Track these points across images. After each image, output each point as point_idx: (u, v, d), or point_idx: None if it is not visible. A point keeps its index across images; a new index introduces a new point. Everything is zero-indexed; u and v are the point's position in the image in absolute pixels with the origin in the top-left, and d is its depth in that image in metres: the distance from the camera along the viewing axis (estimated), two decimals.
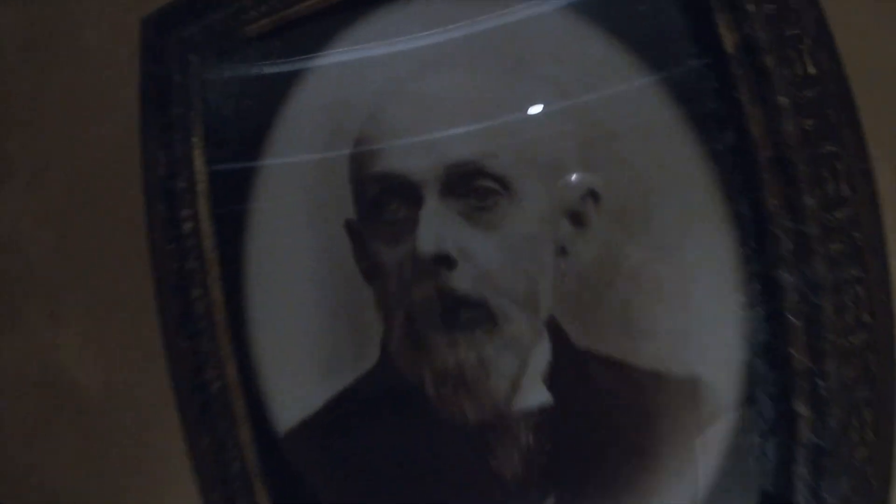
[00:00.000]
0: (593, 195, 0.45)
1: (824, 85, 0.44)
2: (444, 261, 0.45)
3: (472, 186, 0.46)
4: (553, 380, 0.46)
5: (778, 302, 0.44)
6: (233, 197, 0.54)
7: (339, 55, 0.51)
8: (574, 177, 0.45)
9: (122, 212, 0.61)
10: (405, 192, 0.46)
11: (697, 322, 0.45)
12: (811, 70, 0.45)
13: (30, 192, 0.65)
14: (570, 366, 0.46)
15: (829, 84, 0.44)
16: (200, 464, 0.57)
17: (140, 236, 0.58)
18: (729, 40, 0.44)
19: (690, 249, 0.45)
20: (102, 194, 0.62)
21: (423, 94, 0.48)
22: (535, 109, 0.46)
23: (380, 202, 0.48)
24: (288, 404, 0.53)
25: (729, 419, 0.46)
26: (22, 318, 0.65)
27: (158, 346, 0.58)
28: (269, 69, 0.53)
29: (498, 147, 0.45)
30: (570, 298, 0.46)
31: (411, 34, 0.49)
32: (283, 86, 0.52)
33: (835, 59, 0.45)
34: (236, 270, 0.54)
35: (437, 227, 0.45)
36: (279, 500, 0.55)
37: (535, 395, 0.46)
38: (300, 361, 0.52)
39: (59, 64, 0.64)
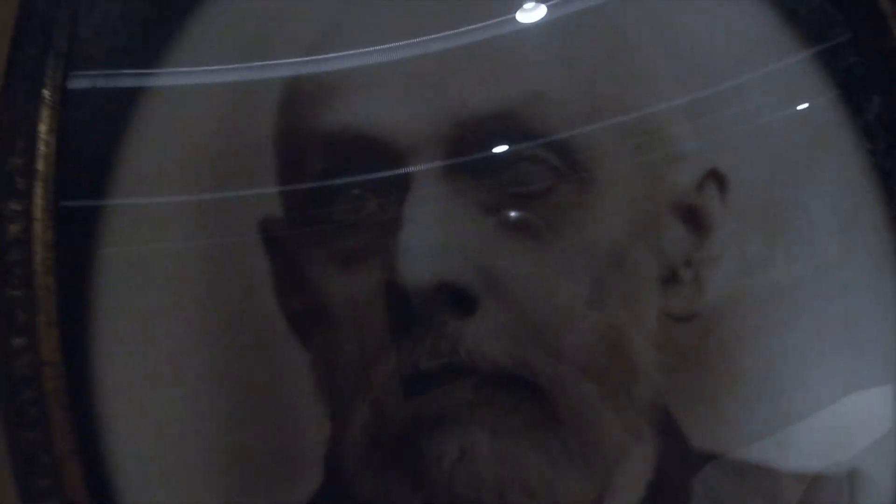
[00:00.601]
0: (718, 178, 0.26)
1: None
2: (454, 296, 0.24)
3: (507, 158, 0.24)
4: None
5: None
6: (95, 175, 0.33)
7: None
8: (689, 149, 0.25)
9: None
10: (379, 168, 0.25)
11: (858, 395, 0.28)
12: None
13: None
14: (684, 485, 0.25)
15: None
16: None
17: None
18: None
19: (854, 277, 0.27)
20: None
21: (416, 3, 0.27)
22: (616, 38, 0.27)
23: (330, 187, 0.26)
24: None
25: None
26: None
27: None
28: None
29: (553, 91, 0.25)
30: (687, 366, 0.25)
31: None
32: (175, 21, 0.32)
33: None
34: (81, 311, 0.32)
35: (437, 234, 0.24)
36: None
37: None
38: (180, 482, 0.30)
39: None
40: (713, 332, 0.27)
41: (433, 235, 0.25)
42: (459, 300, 0.25)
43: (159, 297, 0.31)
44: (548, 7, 0.28)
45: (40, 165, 0.35)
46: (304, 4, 0.30)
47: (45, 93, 0.35)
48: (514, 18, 0.28)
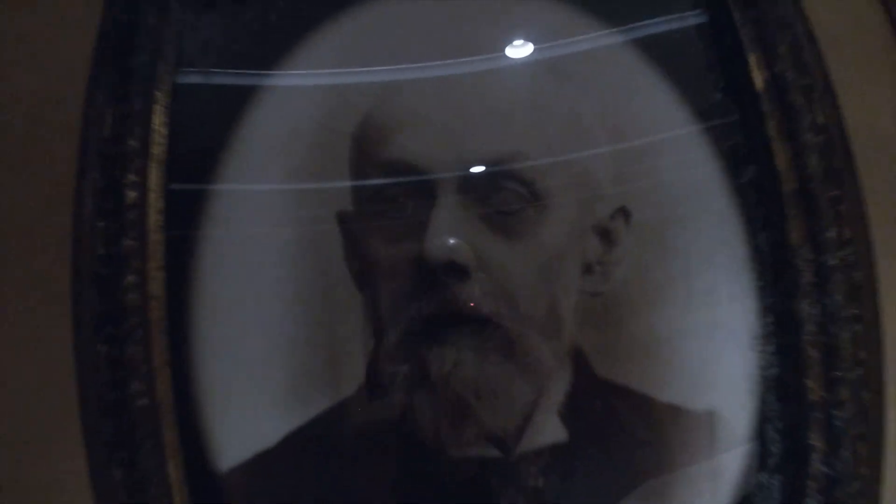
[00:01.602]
0: (625, 213, 0.42)
1: (828, 134, 0.47)
2: (457, 269, 0.40)
3: (496, 187, 0.40)
4: (569, 413, 0.41)
5: (794, 334, 0.43)
6: (194, 172, 0.44)
7: (346, 38, 0.44)
8: (607, 193, 0.42)
9: (39, 177, 0.47)
10: (417, 186, 0.41)
11: (717, 354, 0.44)
12: (820, 119, 0.46)
13: None
14: (589, 398, 0.42)
15: (833, 133, 0.47)
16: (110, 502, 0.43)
17: (63, 210, 0.46)
18: (758, 76, 0.44)
19: (713, 280, 0.44)
20: (16, 149, 0.48)
21: (447, 83, 0.43)
22: (574, 118, 0.43)
23: (384, 194, 0.41)
24: (234, 435, 0.43)
25: (740, 456, 0.45)
26: None
27: (66, 348, 0.45)
28: (267, 40, 0.45)
29: (528, 149, 0.40)
30: (595, 322, 0.42)
31: (424, 20, 0.45)
32: (276, 52, 0.45)
33: (837, 111, 0.48)
34: (184, 261, 0.44)
35: (450, 230, 0.40)
36: None
37: (549, 430, 0.41)
38: (256, 383, 0.43)
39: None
40: (613, 305, 0.43)
41: (446, 231, 0.41)
42: (460, 272, 0.40)
43: (255, 251, 0.43)
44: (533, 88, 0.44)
45: (154, 149, 0.43)
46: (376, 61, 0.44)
47: (158, 94, 0.44)
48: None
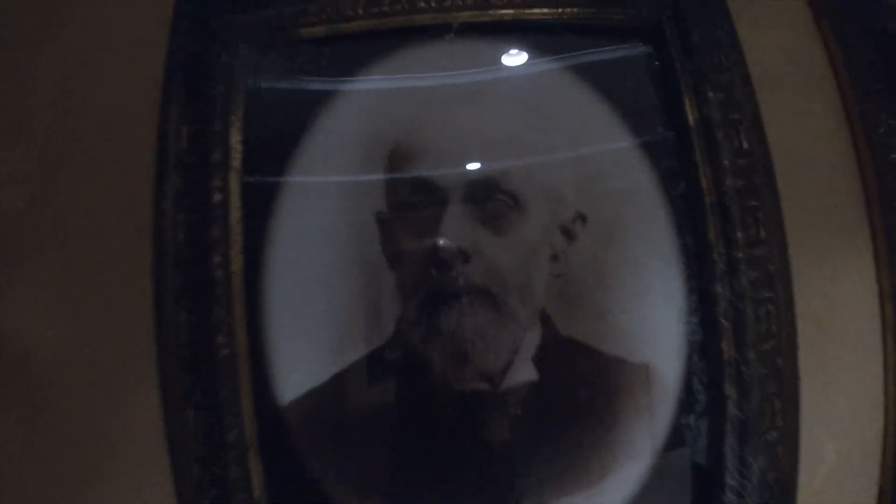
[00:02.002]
0: (582, 217, 0.58)
1: (753, 157, 0.60)
2: (462, 255, 0.54)
3: (489, 197, 0.56)
4: (539, 360, 0.56)
5: (711, 309, 0.57)
6: (265, 180, 0.56)
7: (381, 82, 0.59)
8: (569, 202, 0.57)
9: (117, 180, 0.56)
10: (433, 195, 0.56)
11: (651, 323, 0.58)
12: (745, 145, 0.60)
13: (6, 145, 0.57)
14: (554, 349, 0.57)
15: (757, 156, 0.60)
16: (181, 438, 0.55)
17: (142, 205, 0.55)
18: (691, 115, 0.60)
19: (650, 268, 0.59)
20: (92, 157, 0.56)
21: (455, 119, 0.59)
22: (546, 146, 0.59)
23: (410, 200, 0.57)
24: (293, 376, 0.54)
25: (671, 402, 0.59)
26: None
27: (144, 314, 0.54)
28: (318, 79, 0.58)
29: (512, 170, 0.57)
30: (558, 295, 0.57)
31: (440, 67, 0.59)
32: (327, 94, 0.58)
33: (763, 139, 0.61)
34: (258, 245, 0.54)
35: (457, 227, 0.54)
36: (271, 470, 0.56)
37: (525, 371, 0.55)
38: (311, 336, 0.55)
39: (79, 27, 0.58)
40: (572, 283, 0.58)
41: (454, 228, 0.56)
42: (464, 256, 0.56)
43: (313, 238, 0.55)
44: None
45: (233, 161, 0.54)
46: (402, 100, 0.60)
47: (233, 118, 0.54)
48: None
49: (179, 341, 0.52)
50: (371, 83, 0.59)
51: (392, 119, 0.58)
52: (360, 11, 0.56)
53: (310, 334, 0.55)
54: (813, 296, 0.65)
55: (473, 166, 0.57)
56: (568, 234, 0.57)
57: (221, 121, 0.54)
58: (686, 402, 0.58)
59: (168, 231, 0.53)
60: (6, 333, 0.56)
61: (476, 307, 0.55)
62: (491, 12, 0.58)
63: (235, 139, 0.55)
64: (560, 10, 0.59)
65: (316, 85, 0.58)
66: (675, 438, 0.58)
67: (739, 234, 0.57)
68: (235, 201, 0.54)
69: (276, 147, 0.55)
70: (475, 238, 0.54)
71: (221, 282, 0.53)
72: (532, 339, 0.56)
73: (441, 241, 0.55)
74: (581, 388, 0.57)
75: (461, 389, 0.55)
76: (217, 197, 0.54)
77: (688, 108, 0.59)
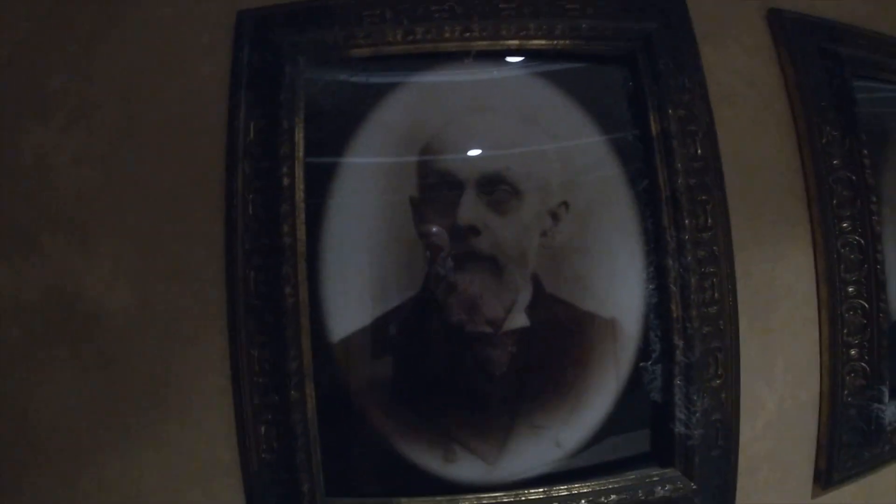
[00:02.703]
0: (566, 204, 0.76)
1: (706, 161, 0.77)
2: (474, 230, 0.70)
3: (496, 187, 0.74)
4: (530, 311, 0.71)
5: (664, 278, 0.75)
6: (324, 169, 0.71)
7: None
8: (556, 192, 0.75)
9: (187, 163, 0.62)
10: (453, 184, 0.74)
11: (618, 287, 0.76)
12: (699, 151, 0.77)
13: (73, 129, 0.62)
14: (541, 303, 0.74)
15: (709, 161, 0.77)
16: (246, 372, 0.64)
17: (213, 187, 0.63)
18: (654, 127, 0.77)
19: (617, 245, 0.77)
20: (158, 143, 0.62)
21: (471, 125, 0.76)
22: (535, 146, 0.76)
23: (436, 187, 0.74)
24: (343, 320, 0.68)
25: (633, 350, 0.77)
26: (45, 246, 0.61)
27: (214, 272, 0.62)
28: (367, 81, 0.71)
29: (514, 166, 0.75)
30: (546, 262, 0.75)
31: (460, 85, 0.77)
32: (372, 100, 0.73)
33: (715, 146, 0.78)
34: (318, 217, 0.67)
35: (471, 208, 0.70)
36: (321, 394, 0.67)
37: (519, 319, 0.71)
38: (358, 288, 0.68)
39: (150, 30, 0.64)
40: (557, 254, 0.76)
41: (469, 210, 0.73)
42: (476, 231, 0.73)
43: (363, 213, 0.71)
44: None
45: (298, 153, 0.65)
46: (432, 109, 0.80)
47: (297, 119, 0.66)
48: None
49: (248, 293, 0.63)
50: (408, 93, 0.76)
51: (421, 127, 0.75)
52: (399, 38, 0.69)
53: (356, 288, 0.69)
54: (754, 273, 0.82)
55: (484, 162, 0.75)
56: (554, 216, 0.73)
57: (288, 121, 0.66)
58: (644, 350, 0.73)
59: (238, 207, 0.64)
60: (81, 294, 0.62)
61: (484, 270, 0.70)
62: (501, 42, 0.75)
63: (299, 136, 0.67)
64: (555, 42, 0.75)
65: (363, 94, 0.73)
66: (636, 379, 0.73)
67: (688, 221, 0.75)
68: (300, 184, 0.66)
69: (330, 143, 0.69)
70: (484, 218, 0.70)
71: (289, 247, 0.65)
72: (525, 295, 0.72)
73: (458, 219, 0.73)
74: (562, 335, 0.75)
75: (471, 331, 0.70)
76: (286, 181, 0.66)
77: (652, 122, 0.76)
